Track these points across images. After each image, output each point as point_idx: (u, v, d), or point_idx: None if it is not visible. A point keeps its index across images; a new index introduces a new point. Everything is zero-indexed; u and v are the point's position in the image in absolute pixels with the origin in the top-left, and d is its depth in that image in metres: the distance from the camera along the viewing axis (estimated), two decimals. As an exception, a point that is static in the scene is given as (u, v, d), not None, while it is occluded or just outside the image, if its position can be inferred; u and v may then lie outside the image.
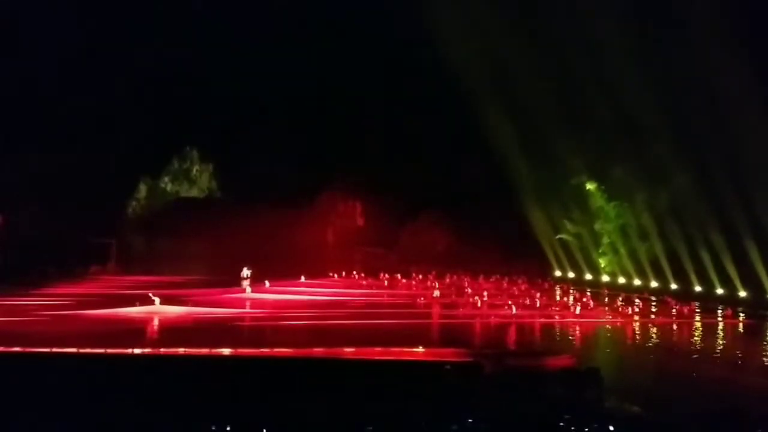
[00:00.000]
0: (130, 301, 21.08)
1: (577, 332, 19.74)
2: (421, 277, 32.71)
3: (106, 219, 43.15)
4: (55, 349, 13.55)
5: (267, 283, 27.29)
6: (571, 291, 27.44)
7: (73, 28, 43.85)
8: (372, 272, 33.84)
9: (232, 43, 47.77)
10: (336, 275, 33.88)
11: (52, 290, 25.01)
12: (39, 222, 38.19)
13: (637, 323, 21.31)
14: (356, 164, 43.65)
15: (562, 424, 8.88)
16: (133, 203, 51.08)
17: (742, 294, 25.00)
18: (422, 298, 25.49)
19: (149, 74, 46.35)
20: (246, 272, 32.67)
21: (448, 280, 31.98)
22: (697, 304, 24.17)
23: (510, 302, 23.11)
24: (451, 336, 17.93)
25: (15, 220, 35.84)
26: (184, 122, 48.46)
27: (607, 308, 23.68)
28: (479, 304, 23.13)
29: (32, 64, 42.63)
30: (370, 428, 8.69)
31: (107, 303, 21.34)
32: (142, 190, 51.72)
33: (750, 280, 24.81)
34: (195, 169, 53.89)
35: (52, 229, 37.80)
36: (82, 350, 13.51)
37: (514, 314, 21.35)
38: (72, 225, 38.79)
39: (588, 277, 32.69)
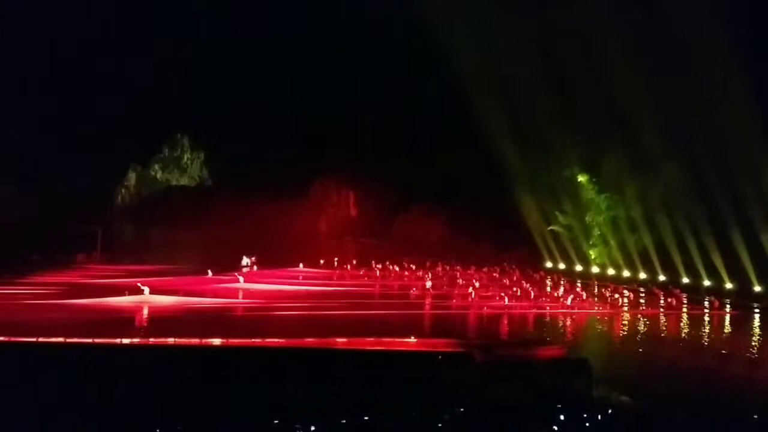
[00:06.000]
0: (119, 290, 20.79)
1: (568, 323, 19.93)
2: (413, 267, 32.73)
3: (93, 207, 42.51)
4: (41, 339, 13.32)
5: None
6: (561, 282, 27.65)
7: (65, 17, 42.78)
8: (365, 262, 33.78)
9: (225, 31, 46.97)
10: (302, 265, 32.34)
11: (37, 279, 24.59)
12: (23, 208, 37.47)
13: (627, 314, 21.58)
14: (350, 154, 43.36)
15: (551, 413, 8.93)
16: (122, 191, 50.37)
17: (729, 285, 25.40)
18: (414, 289, 25.54)
19: (140, 62, 45.47)
20: (246, 261, 32.40)
21: (440, 270, 32.04)
22: (685, 295, 24.51)
23: (501, 293, 23.24)
24: (443, 326, 17.98)
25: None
26: (175, 109, 47.70)
27: (597, 299, 23.92)
28: (471, 295, 23.22)
29: (24, 50, 41.56)
30: (363, 417, 8.67)
31: (94, 292, 21.03)
32: (132, 177, 50.95)
33: (737, 272, 25.20)
34: (186, 157, 53.13)
35: (36, 217, 37.12)
36: (68, 340, 13.31)
37: (506, 305, 21.49)
38: (58, 212, 38.15)
39: (578, 268, 32.98)
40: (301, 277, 28.90)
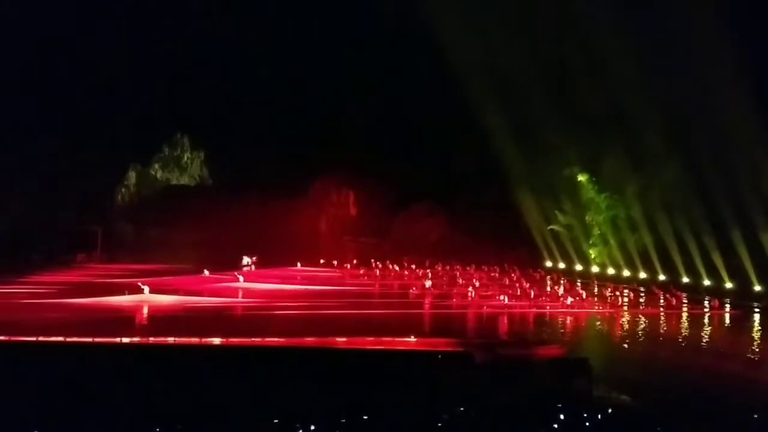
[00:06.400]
0: (119, 289, 20.80)
1: (568, 322, 19.94)
2: (413, 266, 32.75)
3: (93, 206, 42.52)
4: (41, 339, 13.33)
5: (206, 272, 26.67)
6: (561, 282, 27.67)
7: (64, 17, 42.76)
8: (364, 262, 33.79)
9: (224, 30, 46.93)
10: (299, 264, 32.35)
11: (37, 278, 24.61)
12: (24, 209, 37.47)
13: (626, 314, 21.59)
14: (350, 153, 43.33)
15: (551, 413, 8.94)
16: (123, 190, 50.31)
17: (729, 285, 25.41)
18: (414, 288, 25.54)
19: (140, 61, 45.46)
20: (246, 260, 32.40)
21: (440, 270, 32.06)
22: (684, 295, 24.51)
23: (501, 292, 23.24)
24: (443, 326, 17.99)
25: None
26: (175, 109, 47.67)
27: (596, 299, 23.93)
28: (471, 294, 23.23)
29: (26, 49, 41.55)
30: (363, 417, 8.68)
31: (94, 291, 21.04)
32: (132, 177, 50.90)
33: (737, 271, 25.20)
34: (186, 156, 53.11)
35: (37, 216, 37.14)
36: (68, 339, 13.32)
37: (506, 304, 21.49)
38: (58, 212, 38.16)
39: (578, 267, 32.99)
40: (300, 277, 28.93)
